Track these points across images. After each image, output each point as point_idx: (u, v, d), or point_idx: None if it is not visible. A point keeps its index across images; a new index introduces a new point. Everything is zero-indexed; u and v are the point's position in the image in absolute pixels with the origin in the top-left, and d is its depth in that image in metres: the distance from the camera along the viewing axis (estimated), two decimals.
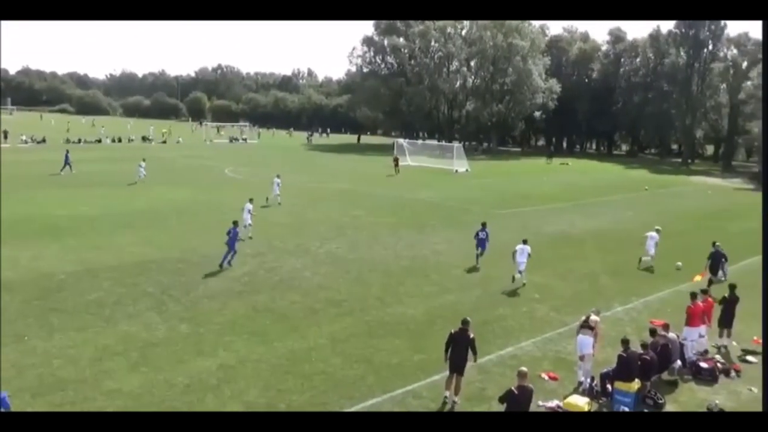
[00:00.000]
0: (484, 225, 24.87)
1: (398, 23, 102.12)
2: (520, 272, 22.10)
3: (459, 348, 13.15)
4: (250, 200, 28.48)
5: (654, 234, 26.07)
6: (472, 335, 13.24)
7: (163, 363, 14.37)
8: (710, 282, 21.80)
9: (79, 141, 78.05)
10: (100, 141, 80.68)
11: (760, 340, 17.39)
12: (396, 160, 59.63)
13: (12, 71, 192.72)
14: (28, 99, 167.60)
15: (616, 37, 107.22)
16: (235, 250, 22.90)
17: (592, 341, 14.43)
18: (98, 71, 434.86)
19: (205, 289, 19.95)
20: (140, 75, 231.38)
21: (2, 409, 10.17)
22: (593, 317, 14.77)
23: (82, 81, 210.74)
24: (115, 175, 46.03)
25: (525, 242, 22.53)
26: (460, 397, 13.27)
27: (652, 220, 31.81)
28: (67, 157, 46.98)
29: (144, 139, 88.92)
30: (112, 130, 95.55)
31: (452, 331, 13.44)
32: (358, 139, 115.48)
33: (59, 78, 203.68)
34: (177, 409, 12.25)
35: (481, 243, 24.42)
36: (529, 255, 22.14)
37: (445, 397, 13.32)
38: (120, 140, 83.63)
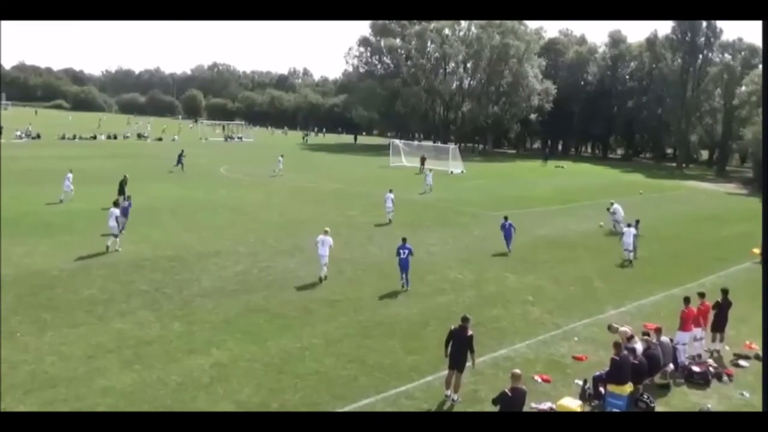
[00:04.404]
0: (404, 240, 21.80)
1: (394, 24, 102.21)
2: (627, 251, 26.49)
3: (458, 345, 13.17)
4: (391, 191, 33.48)
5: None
6: (470, 333, 13.27)
7: (156, 361, 14.33)
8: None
9: (74, 137, 77.77)
10: (95, 137, 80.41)
11: (753, 345, 17.47)
12: (423, 160, 62.31)
13: (7, 66, 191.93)
14: (23, 95, 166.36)
15: (615, 40, 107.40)
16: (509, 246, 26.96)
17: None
18: (94, 68, 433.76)
19: (199, 287, 19.90)
20: (136, 72, 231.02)
21: None
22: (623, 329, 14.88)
23: (77, 77, 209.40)
24: (110, 171, 45.84)
25: (630, 225, 27.14)
26: (460, 395, 13.29)
27: (647, 224, 31.81)
28: (180, 155, 50.29)
29: (139, 136, 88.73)
30: (119, 128, 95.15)
31: (452, 327, 13.48)
32: (355, 139, 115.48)
33: (54, 74, 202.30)
34: (169, 408, 12.23)
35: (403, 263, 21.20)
36: (635, 236, 26.59)
37: (446, 395, 13.34)
38: (115, 137, 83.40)
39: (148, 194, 36.99)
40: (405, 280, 21.00)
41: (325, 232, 21.75)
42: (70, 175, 34.13)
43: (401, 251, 20.99)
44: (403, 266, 20.97)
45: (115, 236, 23.84)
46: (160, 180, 43.49)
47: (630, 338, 14.42)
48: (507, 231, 27.33)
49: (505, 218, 27.99)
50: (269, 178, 48.99)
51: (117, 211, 24.15)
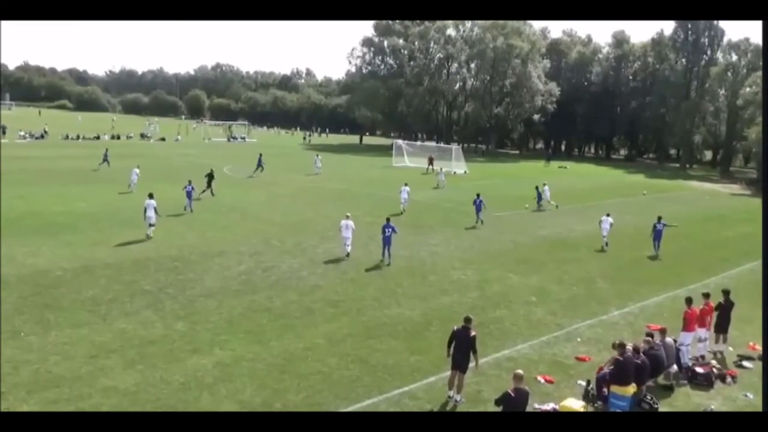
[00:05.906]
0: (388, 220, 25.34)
1: (397, 24, 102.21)
2: (604, 236, 29.13)
3: (461, 345, 13.14)
4: (406, 184, 36.35)
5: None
6: (473, 333, 13.23)
7: (159, 361, 14.35)
8: None
9: (78, 137, 77.96)
10: (98, 138, 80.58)
11: (756, 346, 17.42)
12: (430, 160, 63.58)
13: (11, 67, 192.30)
14: (27, 95, 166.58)
15: (618, 41, 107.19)
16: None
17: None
18: (97, 68, 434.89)
19: (202, 287, 19.92)
20: (139, 72, 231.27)
21: None
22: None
23: (81, 77, 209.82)
24: (115, 172, 45.94)
25: (608, 215, 29.74)
26: (463, 396, 13.27)
27: (650, 224, 31.75)
28: (260, 159, 51.69)
29: (142, 136, 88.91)
30: (132, 129, 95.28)
31: (455, 328, 13.44)
32: (360, 139, 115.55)
33: (58, 74, 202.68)
34: (172, 408, 12.24)
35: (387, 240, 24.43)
36: (611, 224, 29.17)
37: (449, 395, 13.33)
38: (119, 137, 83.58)
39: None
40: (387, 255, 24.07)
41: (347, 217, 24.56)
42: (137, 170, 38.97)
43: (386, 230, 24.03)
44: (386, 242, 24.00)
45: (152, 225, 26.07)
46: (162, 180, 43.49)
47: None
48: (477, 206, 32.53)
49: (477, 195, 32.99)
50: (304, 177, 51.03)
51: (153, 203, 26.13)
